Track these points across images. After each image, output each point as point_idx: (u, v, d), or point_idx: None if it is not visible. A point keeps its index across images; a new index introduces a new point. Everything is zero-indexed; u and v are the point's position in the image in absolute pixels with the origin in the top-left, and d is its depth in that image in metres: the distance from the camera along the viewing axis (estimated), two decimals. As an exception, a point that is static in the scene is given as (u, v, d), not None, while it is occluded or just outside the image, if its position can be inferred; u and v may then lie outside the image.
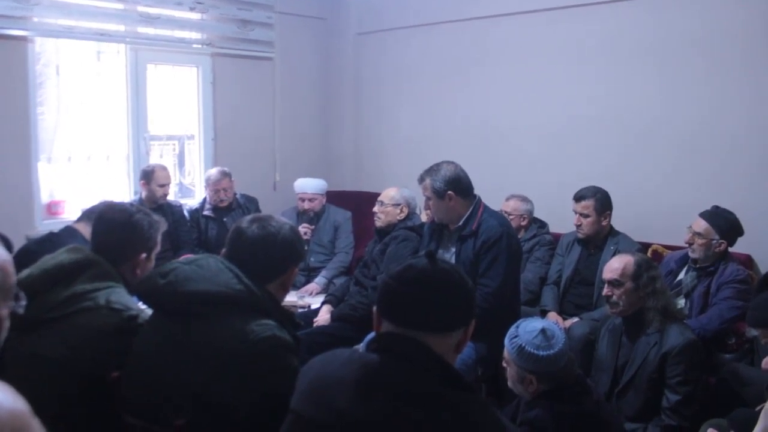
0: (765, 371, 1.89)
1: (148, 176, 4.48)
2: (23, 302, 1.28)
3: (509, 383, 2.35)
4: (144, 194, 4.52)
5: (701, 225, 3.38)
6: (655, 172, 4.19)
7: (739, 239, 3.42)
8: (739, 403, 2.56)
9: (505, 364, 2.34)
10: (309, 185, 4.93)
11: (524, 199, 4.23)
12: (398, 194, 3.97)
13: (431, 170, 3.25)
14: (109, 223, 2.21)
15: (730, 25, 3.84)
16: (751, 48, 3.77)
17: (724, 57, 3.87)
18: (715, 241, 3.35)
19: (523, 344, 2.23)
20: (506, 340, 2.31)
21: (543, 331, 2.24)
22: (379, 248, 3.86)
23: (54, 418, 1.42)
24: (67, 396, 1.91)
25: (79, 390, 1.93)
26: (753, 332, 3.00)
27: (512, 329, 2.32)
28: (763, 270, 3.58)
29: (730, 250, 3.43)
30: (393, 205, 3.94)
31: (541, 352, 2.21)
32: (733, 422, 2.29)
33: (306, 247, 4.63)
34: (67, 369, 1.92)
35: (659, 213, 4.11)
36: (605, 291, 2.89)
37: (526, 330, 2.27)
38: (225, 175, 4.79)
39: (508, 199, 4.25)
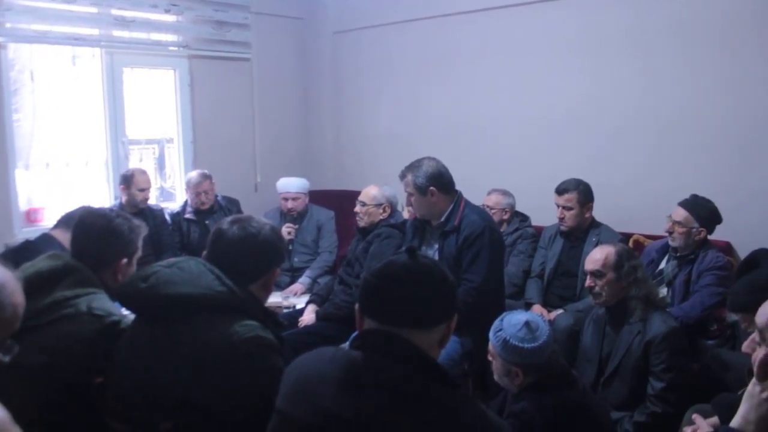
0: (746, 354, 1.91)
1: (127, 181, 4.44)
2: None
3: (495, 376, 2.36)
4: (124, 199, 4.48)
5: (681, 214, 3.41)
6: (634, 163, 4.22)
7: (718, 227, 3.45)
8: (722, 388, 2.58)
9: (490, 358, 2.35)
10: (292, 185, 4.91)
11: (505, 193, 4.25)
12: (380, 194, 3.97)
13: (413, 166, 3.25)
14: (89, 228, 2.19)
15: (708, 15, 3.87)
16: (728, 38, 3.80)
17: (701, 47, 3.91)
18: (694, 230, 3.39)
19: (508, 337, 2.24)
20: (491, 334, 2.32)
21: (527, 323, 2.25)
22: (362, 247, 3.86)
23: (37, 426, 1.41)
24: (50, 403, 1.89)
25: (62, 397, 1.91)
26: (733, 317, 3.03)
27: (497, 322, 2.32)
28: (742, 256, 3.62)
29: (710, 237, 3.46)
30: (375, 205, 3.94)
31: (525, 345, 2.22)
32: (716, 407, 2.31)
33: (290, 247, 4.66)
34: (49, 376, 1.90)
35: (639, 203, 4.14)
36: (588, 282, 2.91)
37: (511, 323, 2.28)
38: (205, 177, 4.76)
39: (489, 194, 4.27)
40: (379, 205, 3.94)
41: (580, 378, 2.40)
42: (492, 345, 2.31)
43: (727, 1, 3.82)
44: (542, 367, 2.25)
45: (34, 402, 1.84)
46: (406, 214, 4.02)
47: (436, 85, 5.18)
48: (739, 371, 2.65)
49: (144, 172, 4.55)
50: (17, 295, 1.36)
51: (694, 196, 3.47)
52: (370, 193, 3.99)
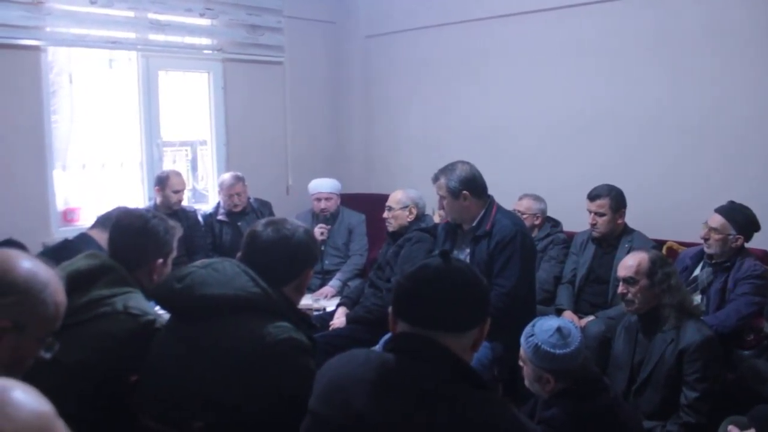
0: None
1: (162, 182, 4.50)
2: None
3: (526, 382, 2.34)
4: (158, 200, 4.53)
5: (717, 220, 3.35)
6: (667, 168, 4.16)
7: (756, 234, 3.39)
8: (758, 400, 2.53)
9: (521, 363, 2.34)
10: (324, 185, 4.93)
11: (537, 198, 4.22)
12: (405, 196, 3.97)
13: (446, 169, 3.25)
14: (126, 229, 2.23)
15: (737, 16, 3.82)
16: (757, 39, 3.75)
17: (731, 49, 3.86)
18: (731, 237, 3.33)
19: (540, 343, 2.22)
20: (522, 339, 2.30)
21: (559, 329, 2.23)
22: (392, 250, 3.86)
23: (72, 422, 1.43)
24: (86, 400, 1.92)
25: (98, 394, 1.95)
26: (771, 328, 2.98)
27: (528, 328, 2.31)
28: (780, 265, 3.55)
29: (746, 245, 3.40)
30: (401, 208, 3.94)
31: (557, 351, 2.20)
32: (753, 419, 2.27)
33: (322, 248, 4.68)
34: (85, 374, 1.93)
35: (673, 209, 4.08)
36: (620, 289, 2.87)
37: (542, 329, 2.26)
38: (238, 179, 4.80)
39: (521, 199, 4.24)
40: (404, 207, 3.94)
41: (611, 385, 2.38)
42: (523, 350, 2.30)
43: (754, 3, 3.76)
44: (573, 373, 2.23)
45: (69, 398, 1.87)
46: (437, 218, 4.02)
47: (466, 89, 5.17)
48: (777, 382, 2.60)
49: (179, 174, 4.61)
50: (60, 294, 1.39)
51: (731, 203, 3.41)
52: (396, 197, 4.00)
